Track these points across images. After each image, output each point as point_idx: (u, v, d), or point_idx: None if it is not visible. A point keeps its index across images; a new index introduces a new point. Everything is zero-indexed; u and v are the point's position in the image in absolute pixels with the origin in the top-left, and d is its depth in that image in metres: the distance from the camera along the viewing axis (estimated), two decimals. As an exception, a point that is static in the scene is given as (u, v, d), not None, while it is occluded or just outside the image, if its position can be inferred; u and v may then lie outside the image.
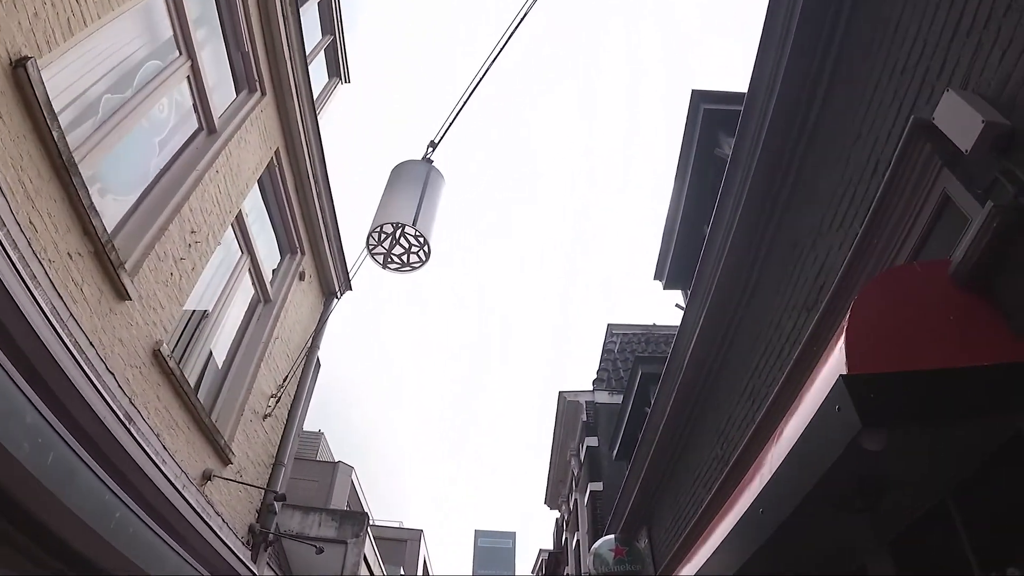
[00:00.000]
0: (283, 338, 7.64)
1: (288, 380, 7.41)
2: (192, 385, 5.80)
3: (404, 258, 4.41)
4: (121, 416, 4.43)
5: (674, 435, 6.96)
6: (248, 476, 6.59)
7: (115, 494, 4.38)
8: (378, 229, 4.22)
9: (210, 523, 5.67)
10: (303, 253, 8.27)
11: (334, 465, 14.51)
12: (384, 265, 4.42)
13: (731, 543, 3.55)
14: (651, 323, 13.55)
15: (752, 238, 4.76)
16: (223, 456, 6.19)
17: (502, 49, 4.59)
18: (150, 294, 5.10)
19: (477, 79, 4.68)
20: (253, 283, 7.36)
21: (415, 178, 4.43)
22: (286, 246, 8.11)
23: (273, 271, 7.92)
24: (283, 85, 6.99)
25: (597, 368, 13.24)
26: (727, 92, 6.39)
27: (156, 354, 5.15)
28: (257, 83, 6.63)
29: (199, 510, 5.49)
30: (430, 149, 4.85)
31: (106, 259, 4.49)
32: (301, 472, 14.21)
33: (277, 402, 7.23)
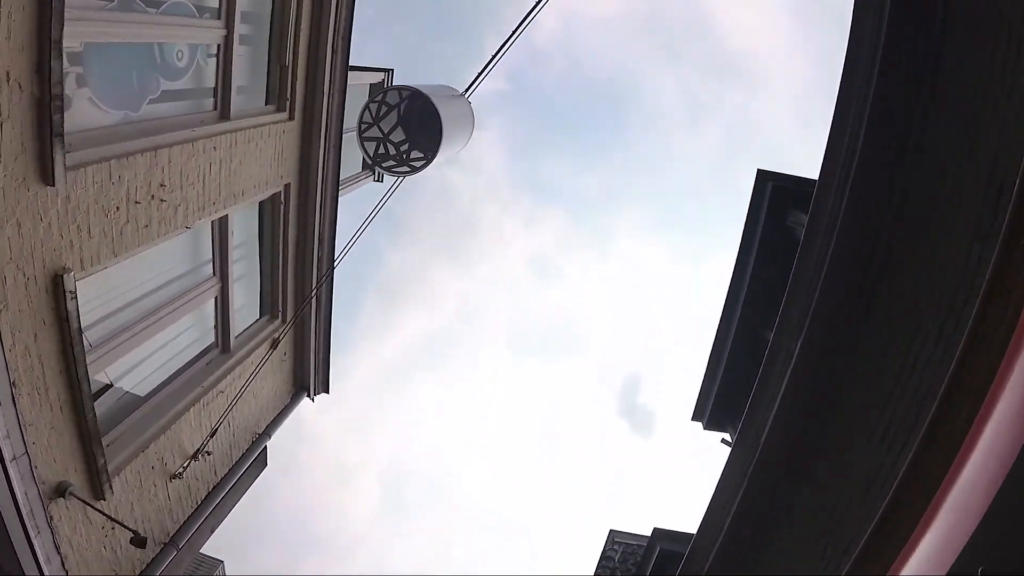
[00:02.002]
0: (229, 399, 6.25)
1: (213, 438, 5.86)
2: (91, 383, 4.47)
3: (404, 152, 3.50)
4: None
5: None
6: (122, 533, 4.80)
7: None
8: (380, 98, 3.39)
9: (36, 547, 3.93)
10: (283, 322, 7.21)
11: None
12: (375, 160, 3.49)
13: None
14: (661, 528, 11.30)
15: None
16: (95, 483, 4.56)
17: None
18: (81, 207, 4.13)
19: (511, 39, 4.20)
20: (216, 321, 6.26)
21: (448, 91, 3.72)
22: (268, 306, 7.10)
23: (244, 329, 6.82)
24: (313, 122, 6.65)
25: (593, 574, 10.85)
26: (796, 176, 5.81)
27: (56, 280, 4.00)
28: (288, 104, 6.29)
29: (25, 512, 3.82)
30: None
31: (47, 117, 3.66)
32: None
33: (191, 462, 5.62)
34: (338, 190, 7.39)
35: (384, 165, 3.56)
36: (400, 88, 3.41)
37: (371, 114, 3.49)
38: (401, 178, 3.55)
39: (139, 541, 4.27)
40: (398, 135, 3.55)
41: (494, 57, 4.25)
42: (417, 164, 3.52)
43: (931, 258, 3.78)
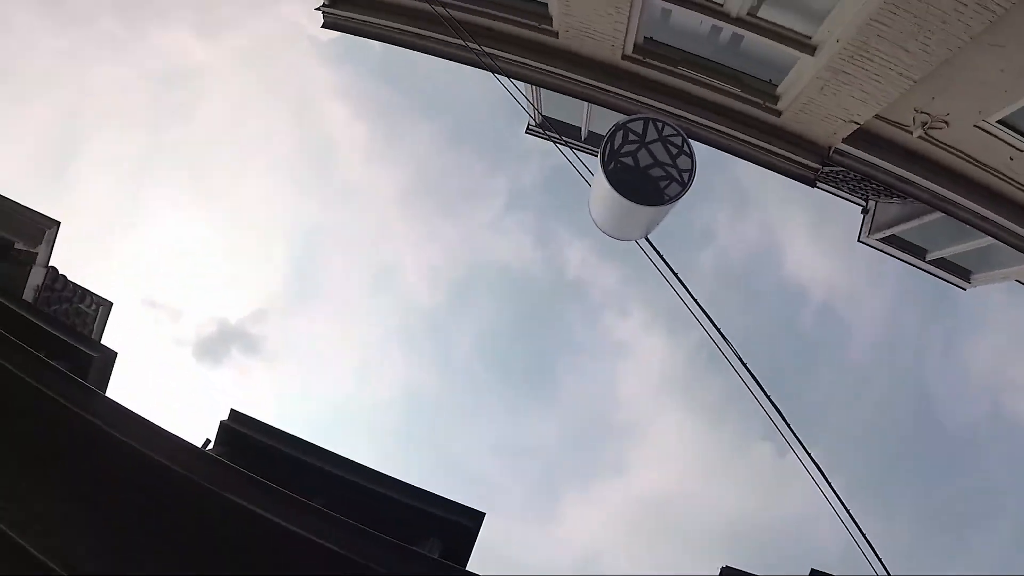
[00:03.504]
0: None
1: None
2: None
3: (621, 161, 3.83)
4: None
5: None
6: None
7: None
8: (684, 128, 3.81)
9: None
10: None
11: None
12: (615, 127, 3.74)
13: None
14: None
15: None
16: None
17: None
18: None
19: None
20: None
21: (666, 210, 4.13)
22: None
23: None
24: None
25: None
26: None
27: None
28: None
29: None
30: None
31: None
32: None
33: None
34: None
35: (609, 144, 3.78)
36: (693, 163, 3.75)
37: (663, 125, 3.79)
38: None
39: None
40: (643, 158, 3.85)
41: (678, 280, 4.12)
42: (611, 176, 3.70)
43: None
